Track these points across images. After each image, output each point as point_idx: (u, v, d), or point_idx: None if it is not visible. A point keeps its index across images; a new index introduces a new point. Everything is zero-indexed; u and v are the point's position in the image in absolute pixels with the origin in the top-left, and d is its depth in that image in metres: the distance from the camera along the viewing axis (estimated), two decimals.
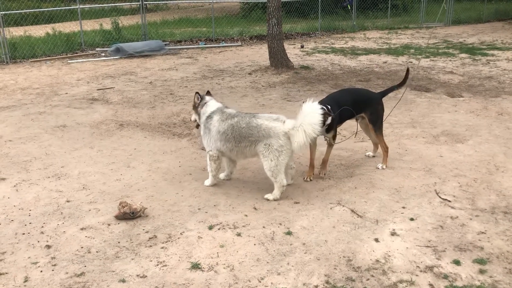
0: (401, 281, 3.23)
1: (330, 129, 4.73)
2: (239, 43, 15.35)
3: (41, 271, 3.36)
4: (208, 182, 4.76)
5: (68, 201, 4.45)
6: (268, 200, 4.46)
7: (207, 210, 4.25)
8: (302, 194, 4.59)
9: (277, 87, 9.13)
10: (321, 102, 4.75)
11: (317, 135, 4.29)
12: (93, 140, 6.16)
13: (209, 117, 4.59)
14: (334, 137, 4.89)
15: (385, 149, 5.21)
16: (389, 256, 3.53)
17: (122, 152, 5.75)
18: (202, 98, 4.77)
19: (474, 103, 7.79)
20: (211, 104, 4.68)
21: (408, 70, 5.43)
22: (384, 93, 5.31)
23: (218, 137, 4.53)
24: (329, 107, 4.62)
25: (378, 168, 5.16)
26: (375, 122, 5.11)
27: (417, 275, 3.30)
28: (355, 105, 4.94)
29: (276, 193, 4.46)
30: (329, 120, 4.60)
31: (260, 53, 13.29)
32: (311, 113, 4.20)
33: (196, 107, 4.77)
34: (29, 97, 8.47)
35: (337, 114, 4.71)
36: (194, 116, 4.88)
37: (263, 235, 3.82)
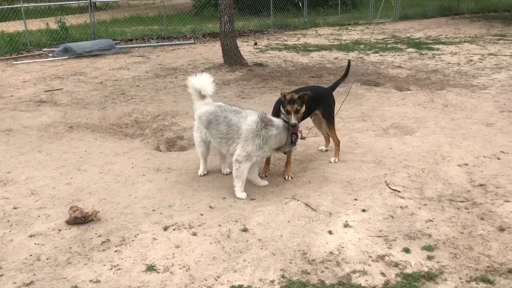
0: (354, 272, 3.32)
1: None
2: (192, 41, 15.21)
3: None
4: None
5: (15, 208, 4.28)
6: None
7: (161, 211, 4.20)
8: (257, 190, 4.62)
9: (232, 84, 9.12)
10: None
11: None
12: (42, 144, 5.95)
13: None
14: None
15: (337, 143, 5.31)
16: (343, 247, 3.61)
17: (72, 155, 5.57)
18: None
19: (421, 96, 8.08)
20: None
21: (349, 62, 5.78)
22: (334, 87, 5.43)
23: None
24: (309, 92, 4.65)
25: (331, 162, 5.26)
26: (328, 117, 5.21)
27: (369, 265, 3.39)
28: (312, 103, 5.00)
29: None
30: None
31: (213, 51, 13.22)
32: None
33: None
34: None
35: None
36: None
37: (219, 233, 3.81)
